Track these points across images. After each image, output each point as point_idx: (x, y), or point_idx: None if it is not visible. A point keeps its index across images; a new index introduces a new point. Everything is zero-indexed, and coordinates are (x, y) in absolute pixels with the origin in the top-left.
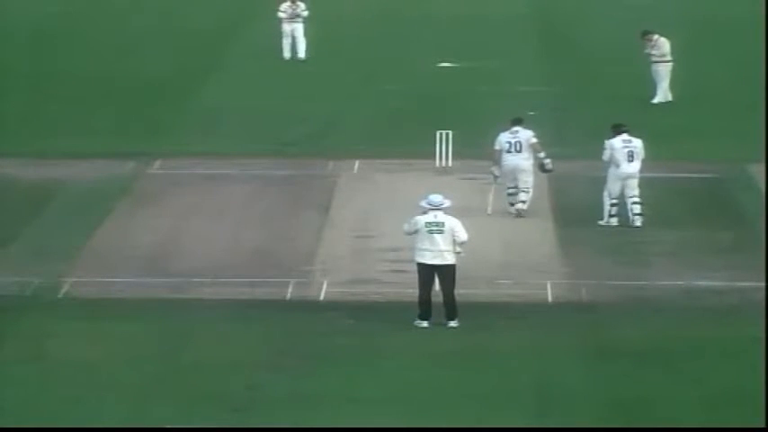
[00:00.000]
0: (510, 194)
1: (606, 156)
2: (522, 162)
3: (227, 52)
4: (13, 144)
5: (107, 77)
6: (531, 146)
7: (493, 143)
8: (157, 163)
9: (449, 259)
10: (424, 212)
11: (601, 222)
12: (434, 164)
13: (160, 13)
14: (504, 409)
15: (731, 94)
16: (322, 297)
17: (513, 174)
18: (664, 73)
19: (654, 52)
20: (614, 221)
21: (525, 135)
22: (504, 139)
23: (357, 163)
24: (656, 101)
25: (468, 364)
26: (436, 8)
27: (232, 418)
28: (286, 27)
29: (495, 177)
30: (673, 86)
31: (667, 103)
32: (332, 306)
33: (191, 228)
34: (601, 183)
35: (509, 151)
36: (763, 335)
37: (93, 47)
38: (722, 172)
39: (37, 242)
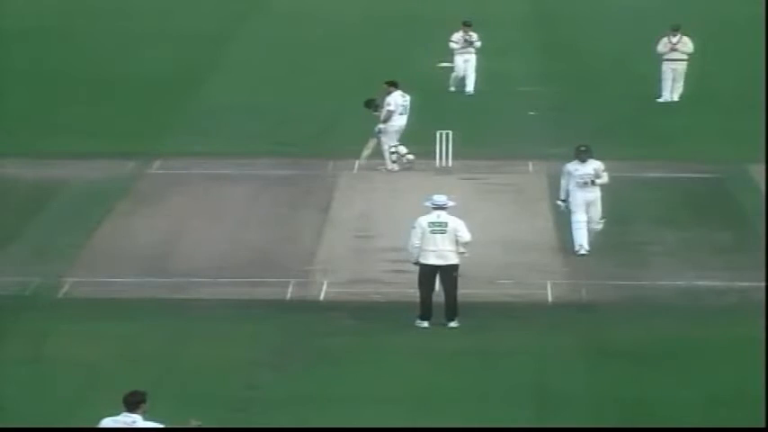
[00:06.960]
0: (393, 152)
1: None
2: (405, 123)
3: (227, 52)
4: (13, 144)
5: (107, 77)
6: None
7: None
8: (157, 163)
9: (451, 259)
10: (428, 212)
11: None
12: (434, 164)
13: (160, 13)
14: (504, 409)
15: (731, 95)
16: (322, 297)
17: (399, 133)
18: (683, 72)
19: (681, 48)
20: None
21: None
22: (399, 101)
23: (357, 163)
24: (662, 100)
25: (468, 364)
26: (436, 8)
27: (232, 418)
28: (459, 59)
29: (379, 131)
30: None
31: (669, 103)
32: (332, 306)
33: (191, 228)
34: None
35: (402, 113)
36: (763, 335)
37: (93, 47)
38: (722, 172)
39: (37, 242)
